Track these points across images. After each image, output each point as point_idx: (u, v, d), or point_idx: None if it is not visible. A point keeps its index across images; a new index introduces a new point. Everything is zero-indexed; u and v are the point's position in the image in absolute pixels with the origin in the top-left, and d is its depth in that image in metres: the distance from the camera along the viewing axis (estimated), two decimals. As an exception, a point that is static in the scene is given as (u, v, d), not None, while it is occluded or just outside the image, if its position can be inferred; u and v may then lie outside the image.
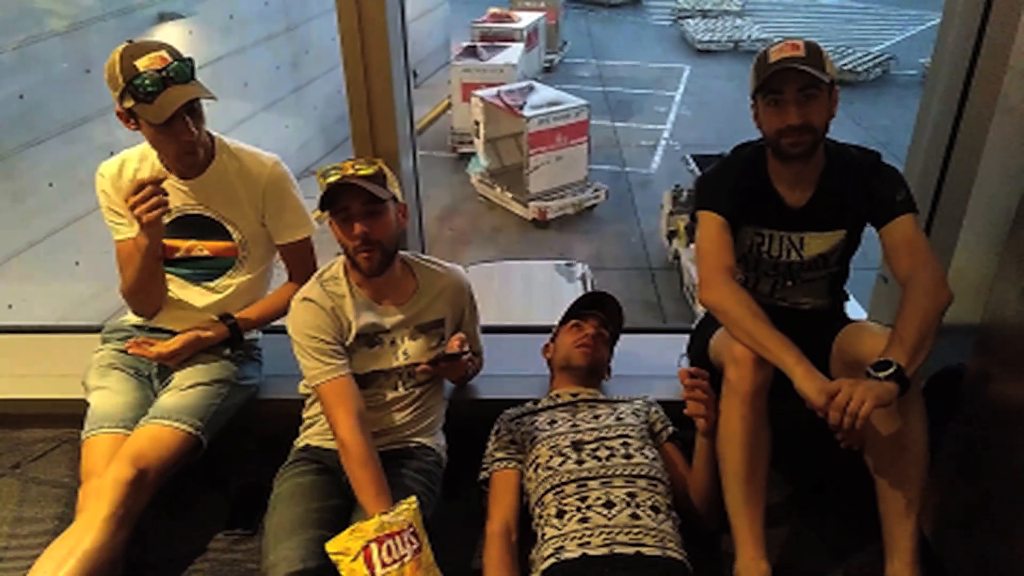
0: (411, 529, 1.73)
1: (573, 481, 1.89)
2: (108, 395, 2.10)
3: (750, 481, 1.84)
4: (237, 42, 10.69)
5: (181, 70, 1.91)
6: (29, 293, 7.07)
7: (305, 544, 1.75)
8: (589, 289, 7.36)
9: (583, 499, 1.84)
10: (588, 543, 1.75)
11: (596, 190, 12.55)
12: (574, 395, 2.18)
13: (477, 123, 13.19)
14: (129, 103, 1.90)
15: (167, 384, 2.16)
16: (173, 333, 2.22)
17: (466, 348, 2.09)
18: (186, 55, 1.96)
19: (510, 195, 12.48)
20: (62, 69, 7.63)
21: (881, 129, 13.83)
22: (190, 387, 2.11)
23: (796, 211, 1.99)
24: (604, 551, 1.73)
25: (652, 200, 12.21)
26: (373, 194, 1.89)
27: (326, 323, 1.97)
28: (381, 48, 2.22)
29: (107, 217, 2.16)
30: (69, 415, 2.22)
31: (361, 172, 1.91)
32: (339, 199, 1.90)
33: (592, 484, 1.87)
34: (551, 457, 1.96)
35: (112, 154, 2.14)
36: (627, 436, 1.99)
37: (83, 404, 2.11)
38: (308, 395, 2.13)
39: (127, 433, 2.01)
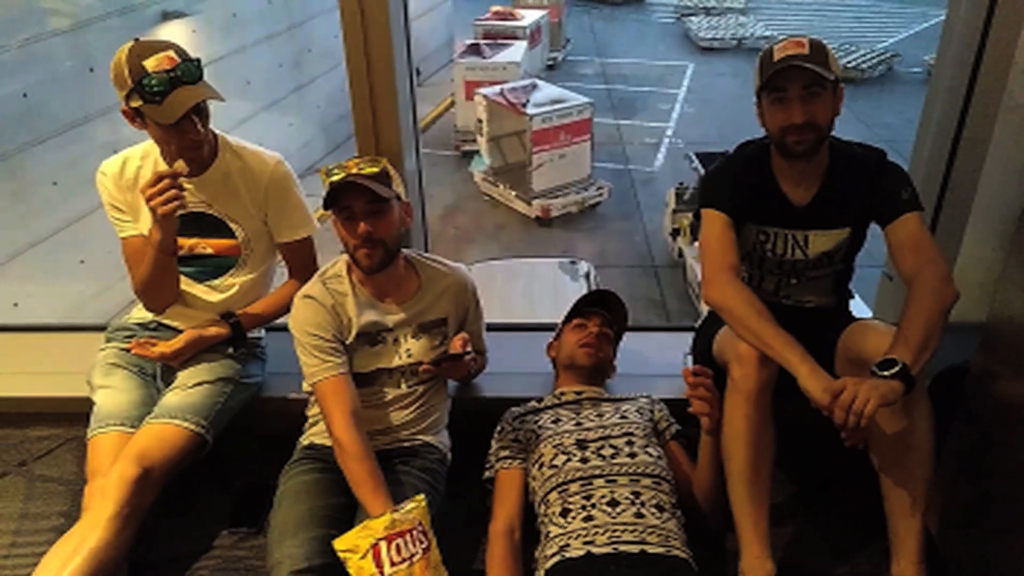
0: (420, 527, 1.72)
1: (577, 479, 1.88)
2: (113, 394, 2.11)
3: (755, 480, 1.84)
4: (239, 40, 10.69)
5: (190, 71, 1.91)
6: (33, 292, 7.09)
7: (309, 542, 1.75)
8: (593, 287, 7.35)
9: (587, 497, 1.84)
10: (592, 541, 1.75)
11: (599, 188, 12.54)
12: (578, 393, 2.18)
13: (480, 121, 13.18)
14: (136, 103, 1.90)
15: (171, 383, 2.16)
16: (176, 331, 2.22)
17: (469, 348, 2.09)
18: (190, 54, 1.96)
19: (513, 193, 12.48)
20: (65, 68, 7.64)
21: (885, 127, 13.80)
22: (194, 386, 2.12)
23: (800, 209, 1.99)
24: (608, 550, 1.73)
25: (656, 198, 12.19)
26: (377, 193, 1.88)
27: (326, 320, 1.97)
28: (384, 46, 2.22)
29: (110, 214, 2.16)
30: (74, 413, 2.23)
31: (365, 171, 1.91)
32: (343, 198, 1.90)
33: (597, 482, 1.87)
34: (555, 455, 1.96)
35: (115, 152, 2.15)
36: (631, 434, 1.99)
37: (88, 402, 2.11)
38: (312, 393, 2.13)
39: (132, 431, 2.02)
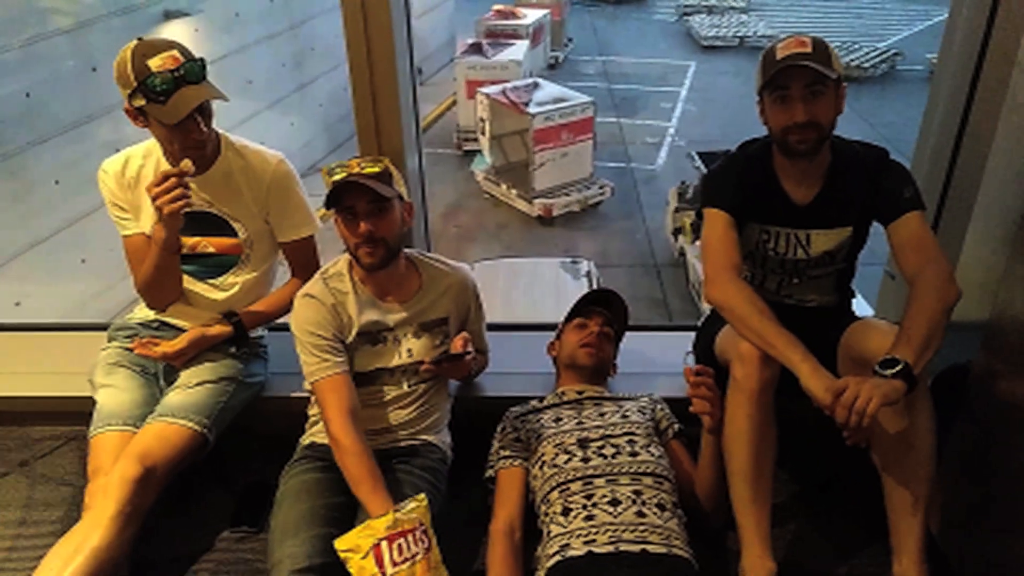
0: (422, 527, 1.72)
1: (579, 479, 1.88)
2: (115, 393, 2.11)
3: (756, 479, 1.84)
4: (241, 40, 10.69)
5: (194, 70, 1.91)
6: (35, 291, 7.09)
7: (310, 541, 1.75)
8: (595, 286, 7.35)
9: (589, 497, 1.84)
10: (594, 541, 1.75)
11: (601, 187, 12.51)
12: (580, 393, 2.18)
13: (482, 120, 13.16)
14: (140, 102, 1.90)
15: (173, 382, 2.16)
16: (178, 330, 2.22)
17: (470, 348, 2.09)
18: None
19: (515, 192, 12.46)
20: (68, 67, 7.64)
21: (888, 125, 13.76)
22: (196, 385, 2.12)
23: (802, 208, 1.99)
24: (610, 549, 1.73)
25: (657, 197, 12.16)
26: (378, 193, 1.88)
27: (326, 319, 1.97)
28: (386, 45, 2.22)
29: (112, 213, 2.17)
30: (76, 412, 2.23)
31: (367, 170, 1.91)
32: (344, 197, 1.90)
33: (598, 482, 1.87)
34: (557, 455, 1.96)
35: (117, 152, 2.15)
36: (633, 434, 1.99)
37: (90, 401, 2.12)
38: (313, 392, 2.14)
39: (134, 431, 2.02)
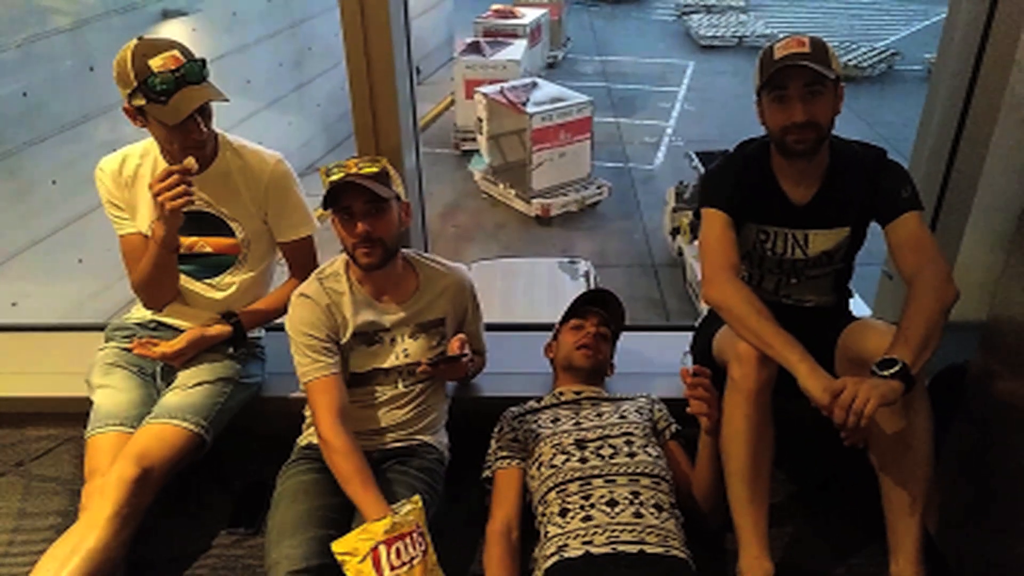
0: (419, 530, 1.72)
1: (576, 479, 1.88)
2: (112, 393, 2.11)
3: (754, 479, 1.84)
4: (240, 39, 10.69)
5: (195, 71, 1.90)
6: (32, 291, 7.08)
7: (307, 542, 1.75)
8: (593, 286, 7.36)
9: (586, 497, 1.84)
10: (591, 541, 1.75)
11: (599, 187, 12.53)
12: (577, 393, 2.18)
13: (480, 120, 13.18)
14: (140, 102, 1.89)
15: (171, 383, 2.16)
16: (176, 330, 2.22)
17: (466, 350, 2.08)
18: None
19: (513, 192, 12.47)
20: (65, 67, 7.63)
21: (886, 125, 13.78)
22: (194, 386, 2.11)
23: (800, 208, 1.98)
24: (607, 549, 1.73)
25: (655, 197, 12.18)
26: (376, 193, 1.88)
27: (320, 320, 1.97)
28: (384, 45, 2.22)
29: (109, 212, 2.16)
30: (73, 413, 2.22)
31: (365, 170, 1.90)
32: (342, 197, 1.89)
33: (596, 482, 1.87)
34: (554, 455, 1.95)
35: (115, 151, 2.14)
36: (631, 434, 1.99)
37: (87, 402, 2.11)
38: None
39: (131, 431, 2.01)
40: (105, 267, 7.03)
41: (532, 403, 2.19)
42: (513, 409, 2.18)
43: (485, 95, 12.93)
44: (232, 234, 2.18)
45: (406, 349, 2.06)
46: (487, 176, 13.05)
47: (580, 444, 1.96)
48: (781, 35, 1.95)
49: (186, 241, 2.16)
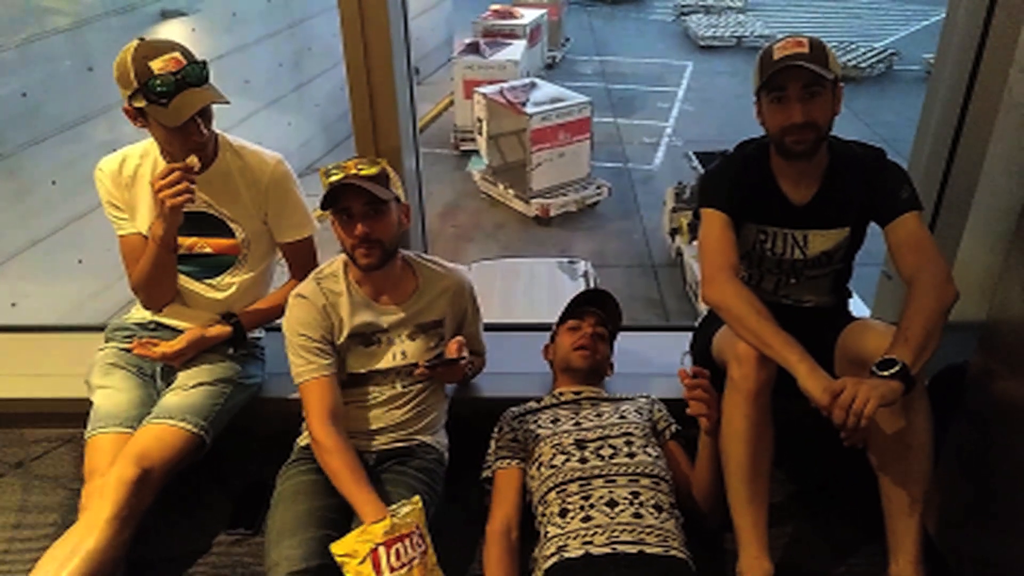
0: (418, 531, 1.72)
1: (576, 480, 1.88)
2: (112, 394, 2.11)
3: (753, 479, 1.84)
4: (239, 39, 10.68)
5: (196, 73, 1.90)
6: (32, 291, 7.08)
7: (307, 543, 1.75)
8: (592, 286, 7.35)
9: (586, 498, 1.84)
10: (591, 542, 1.75)
11: (598, 187, 12.52)
12: (577, 393, 2.18)
13: (479, 120, 13.18)
14: (140, 103, 1.89)
15: (171, 383, 2.16)
16: (175, 331, 2.22)
17: (464, 353, 2.08)
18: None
19: (512, 192, 12.46)
20: (65, 67, 7.63)
21: (885, 125, 13.79)
22: (194, 387, 2.11)
23: (800, 208, 1.99)
24: (607, 550, 1.73)
25: (655, 197, 12.18)
26: (375, 195, 1.88)
27: (316, 320, 1.97)
28: (383, 45, 2.22)
29: (108, 212, 2.16)
30: (72, 414, 2.22)
31: (364, 172, 1.90)
32: (341, 198, 1.89)
33: (595, 483, 1.87)
34: (554, 455, 1.95)
35: (114, 151, 2.14)
36: (630, 434, 1.99)
37: (86, 403, 2.11)
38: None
39: (130, 432, 2.01)
40: (105, 267, 7.03)
41: (532, 403, 2.19)
42: (513, 409, 2.18)
43: (484, 95, 12.93)
44: (232, 235, 2.18)
45: (404, 350, 2.06)
46: (486, 176, 13.05)
47: (580, 444, 1.97)
48: (780, 35, 1.95)
49: (186, 242, 2.16)
